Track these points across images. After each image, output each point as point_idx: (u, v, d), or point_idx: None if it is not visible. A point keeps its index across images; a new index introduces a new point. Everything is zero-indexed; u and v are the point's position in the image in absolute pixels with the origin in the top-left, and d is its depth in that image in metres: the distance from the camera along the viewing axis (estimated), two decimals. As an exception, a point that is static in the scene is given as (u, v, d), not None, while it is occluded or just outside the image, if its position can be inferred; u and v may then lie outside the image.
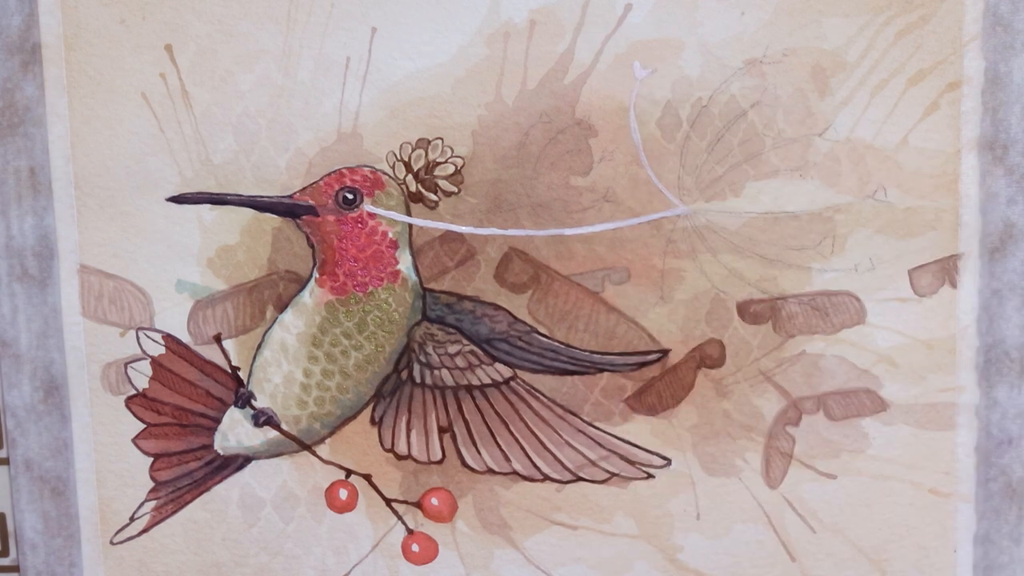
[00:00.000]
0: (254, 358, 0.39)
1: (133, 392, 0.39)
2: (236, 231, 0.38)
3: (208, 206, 0.38)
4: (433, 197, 0.38)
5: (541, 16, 0.36)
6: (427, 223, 0.38)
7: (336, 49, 0.37)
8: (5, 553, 0.40)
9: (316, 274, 0.38)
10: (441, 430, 0.39)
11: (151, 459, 0.40)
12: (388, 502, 0.39)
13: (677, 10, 0.36)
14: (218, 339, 0.39)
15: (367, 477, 0.39)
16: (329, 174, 0.38)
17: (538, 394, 0.38)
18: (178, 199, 0.38)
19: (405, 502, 0.39)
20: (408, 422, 0.39)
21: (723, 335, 0.38)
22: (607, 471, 0.39)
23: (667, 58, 0.36)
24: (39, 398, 0.39)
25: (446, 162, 0.37)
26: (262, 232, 0.38)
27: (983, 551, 0.38)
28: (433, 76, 0.37)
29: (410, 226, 0.38)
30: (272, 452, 0.39)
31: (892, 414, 0.38)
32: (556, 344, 0.38)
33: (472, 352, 0.38)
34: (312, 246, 0.38)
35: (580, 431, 0.39)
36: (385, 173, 0.37)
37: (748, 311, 0.37)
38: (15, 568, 0.40)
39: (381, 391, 0.39)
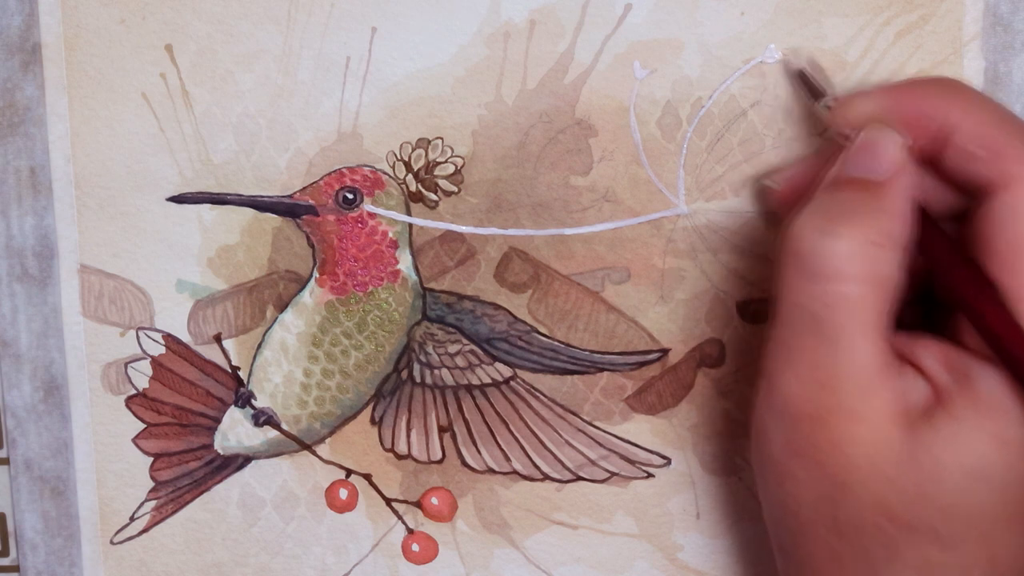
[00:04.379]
0: (254, 358, 0.39)
1: (133, 392, 0.39)
2: (236, 231, 0.38)
3: (208, 206, 0.38)
4: (433, 197, 0.38)
5: (541, 16, 0.36)
6: (427, 223, 0.38)
7: (336, 49, 0.37)
8: (5, 553, 0.40)
9: (316, 274, 0.38)
10: (441, 430, 0.39)
11: (151, 459, 0.40)
12: (388, 502, 0.39)
13: (677, 10, 0.36)
14: (218, 339, 0.39)
15: (367, 477, 0.39)
16: (329, 174, 0.38)
17: (538, 393, 0.38)
18: (178, 199, 0.38)
19: (405, 502, 0.39)
20: (408, 422, 0.39)
21: (723, 335, 0.38)
22: (607, 470, 0.39)
23: (667, 58, 0.36)
24: (39, 398, 0.39)
25: (446, 162, 0.37)
26: (262, 232, 0.38)
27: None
28: (433, 76, 0.37)
29: (410, 226, 0.38)
30: (272, 452, 0.39)
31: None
32: (556, 344, 0.38)
33: (472, 352, 0.38)
34: (312, 246, 0.38)
35: (580, 430, 0.39)
36: (385, 173, 0.37)
37: (748, 311, 0.37)
38: (15, 568, 0.40)
39: (381, 391, 0.39)
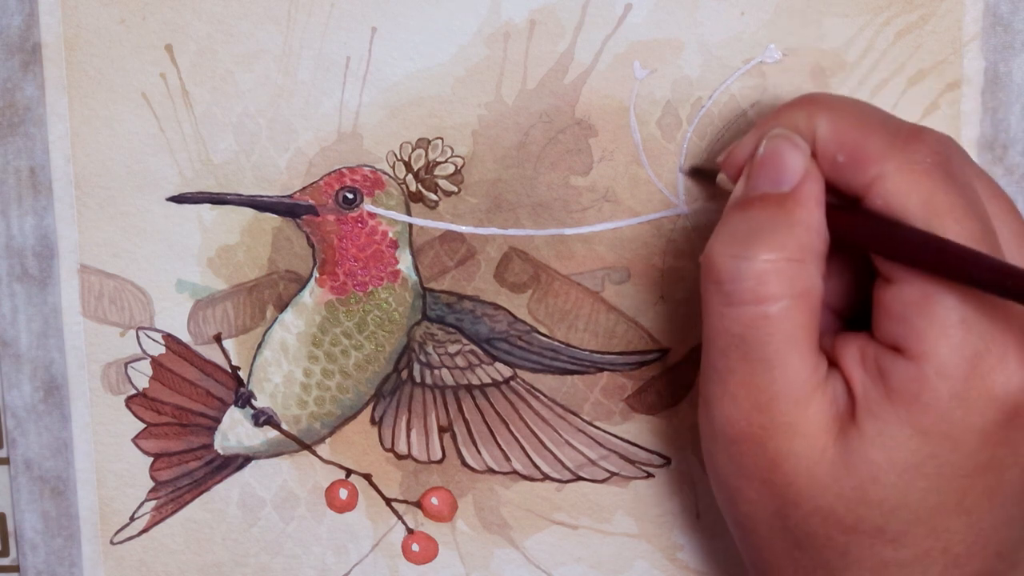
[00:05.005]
0: (254, 358, 0.39)
1: (133, 392, 0.39)
2: (236, 231, 0.38)
3: (208, 206, 0.38)
4: (433, 197, 0.38)
5: (541, 16, 0.36)
6: (427, 223, 0.38)
7: (336, 49, 0.37)
8: (5, 553, 0.40)
9: (316, 274, 0.38)
10: (441, 430, 0.39)
11: (151, 459, 0.40)
12: (388, 502, 0.39)
13: (677, 10, 0.36)
14: (218, 339, 0.39)
15: (367, 477, 0.39)
16: (329, 174, 0.38)
17: (538, 393, 0.38)
18: (178, 199, 0.38)
19: (405, 502, 0.39)
20: (408, 422, 0.39)
21: (723, 335, 0.38)
22: (607, 470, 0.39)
23: (667, 58, 0.36)
24: (39, 398, 0.39)
25: (446, 162, 0.37)
26: (262, 232, 0.38)
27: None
28: (433, 76, 0.37)
29: (410, 226, 0.38)
30: (272, 452, 0.39)
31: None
32: (556, 344, 0.38)
33: (472, 352, 0.38)
34: (312, 246, 0.38)
35: (580, 430, 0.39)
36: (385, 173, 0.37)
37: (748, 311, 0.37)
38: (15, 568, 0.40)
39: (381, 391, 0.39)
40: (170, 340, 0.39)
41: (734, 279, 0.29)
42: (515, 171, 0.37)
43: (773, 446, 0.29)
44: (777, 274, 0.29)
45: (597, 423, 0.38)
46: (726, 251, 0.29)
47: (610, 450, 0.39)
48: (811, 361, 0.29)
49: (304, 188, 0.38)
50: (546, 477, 0.39)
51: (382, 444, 0.39)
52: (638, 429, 0.38)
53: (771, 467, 0.29)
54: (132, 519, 0.40)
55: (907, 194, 0.28)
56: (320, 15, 0.37)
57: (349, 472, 0.39)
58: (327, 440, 0.39)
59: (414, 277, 0.38)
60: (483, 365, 0.38)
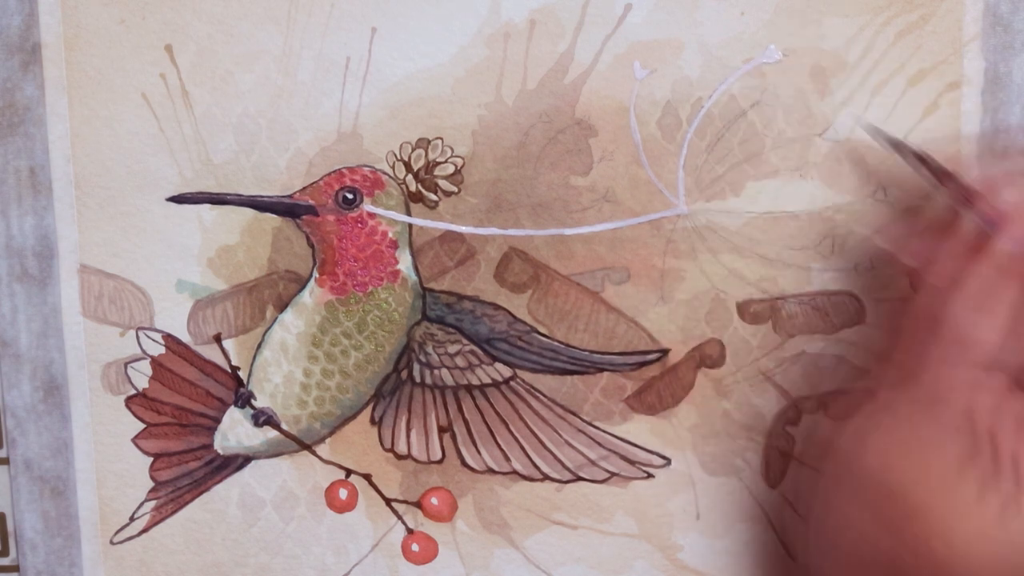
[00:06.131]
0: (254, 358, 0.39)
1: (133, 392, 0.39)
2: (236, 231, 0.38)
3: (208, 206, 0.38)
4: (433, 197, 0.38)
5: (541, 16, 0.36)
6: (427, 223, 0.38)
7: (336, 49, 0.37)
8: (5, 553, 0.40)
9: (316, 274, 0.38)
10: (441, 430, 0.39)
11: (151, 459, 0.40)
12: (388, 502, 0.39)
13: (677, 10, 0.36)
14: (218, 339, 0.39)
15: (367, 477, 0.39)
16: (329, 174, 0.38)
17: (538, 394, 0.38)
18: (178, 199, 0.38)
19: (405, 502, 0.39)
20: (408, 422, 0.39)
21: (723, 335, 0.38)
22: (607, 471, 0.39)
23: (667, 58, 0.36)
24: (39, 398, 0.39)
25: (446, 162, 0.37)
26: (262, 232, 0.38)
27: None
28: (433, 76, 0.37)
29: (410, 226, 0.38)
30: (272, 452, 0.39)
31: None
32: (556, 344, 0.38)
33: (472, 352, 0.38)
34: (312, 246, 0.38)
35: (580, 431, 0.39)
36: (385, 173, 0.37)
37: (748, 311, 0.37)
38: (15, 568, 0.40)
39: (381, 391, 0.39)
40: (170, 340, 0.39)
41: (973, 348, 0.29)
42: (515, 171, 0.37)
43: (932, 520, 0.29)
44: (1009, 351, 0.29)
45: (597, 423, 0.38)
46: (971, 319, 0.30)
47: (610, 450, 0.38)
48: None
49: (304, 188, 0.38)
50: (546, 477, 0.39)
51: (382, 444, 0.39)
52: (638, 429, 0.38)
53: (924, 536, 0.29)
54: (132, 519, 0.40)
55: None
56: (320, 15, 0.37)
57: (349, 472, 0.39)
58: (327, 440, 0.39)
59: (414, 277, 0.38)
60: (483, 365, 0.38)
